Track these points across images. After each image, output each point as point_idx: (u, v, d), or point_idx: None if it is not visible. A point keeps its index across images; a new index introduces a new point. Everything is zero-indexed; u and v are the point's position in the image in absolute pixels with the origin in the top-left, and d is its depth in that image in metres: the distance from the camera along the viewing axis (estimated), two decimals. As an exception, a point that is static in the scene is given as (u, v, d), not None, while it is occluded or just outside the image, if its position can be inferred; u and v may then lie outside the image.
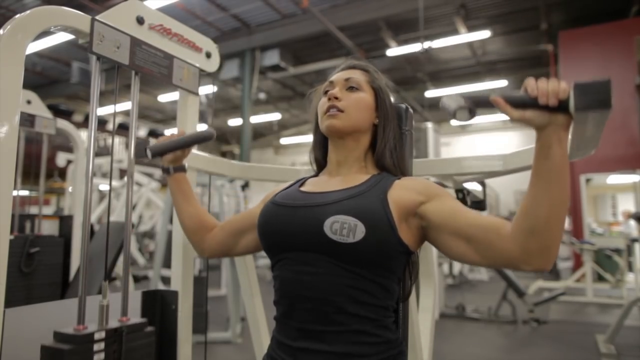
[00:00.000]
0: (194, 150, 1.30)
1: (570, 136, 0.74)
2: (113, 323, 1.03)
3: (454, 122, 13.96)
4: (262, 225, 0.91)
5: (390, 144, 0.96)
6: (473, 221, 0.79)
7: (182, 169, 1.15)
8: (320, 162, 1.04)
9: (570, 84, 0.66)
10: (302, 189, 0.95)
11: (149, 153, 1.12)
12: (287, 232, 0.85)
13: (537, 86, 0.68)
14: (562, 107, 0.67)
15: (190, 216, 1.11)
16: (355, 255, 0.79)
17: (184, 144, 1.12)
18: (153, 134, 12.71)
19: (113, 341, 1.00)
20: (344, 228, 0.78)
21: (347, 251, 0.79)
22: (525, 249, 0.71)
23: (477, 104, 0.72)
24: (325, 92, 0.98)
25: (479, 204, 1.66)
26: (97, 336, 0.97)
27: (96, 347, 0.97)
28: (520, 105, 0.70)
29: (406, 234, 0.84)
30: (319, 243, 0.80)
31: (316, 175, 1.04)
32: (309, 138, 1.10)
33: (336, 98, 0.93)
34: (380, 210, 0.82)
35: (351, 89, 0.95)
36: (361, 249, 0.78)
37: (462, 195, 1.66)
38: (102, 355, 0.98)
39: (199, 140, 1.13)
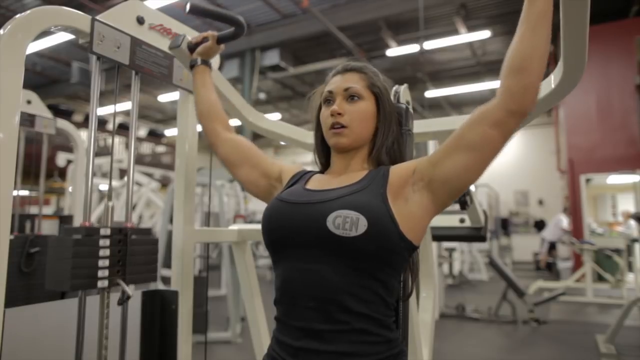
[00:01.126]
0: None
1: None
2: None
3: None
4: (267, 222, 0.91)
5: (387, 144, 0.96)
6: (457, 132, 0.83)
7: (208, 63, 1.19)
8: (324, 164, 1.05)
9: None
10: (308, 186, 0.96)
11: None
12: (290, 228, 0.86)
13: None
14: None
15: (206, 101, 1.14)
16: (358, 250, 0.80)
17: (221, 16, 1.15)
18: (153, 134, 12.71)
19: (118, 240, 1.04)
20: (347, 222, 0.79)
21: (350, 245, 0.79)
22: (507, 89, 0.77)
23: None
24: (326, 101, 0.98)
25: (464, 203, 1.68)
26: (102, 232, 1.01)
27: (102, 242, 1.00)
28: None
29: (409, 220, 0.84)
30: (322, 238, 0.81)
31: (321, 171, 1.05)
32: (309, 138, 1.10)
33: (339, 114, 0.93)
34: (381, 205, 0.83)
35: (352, 98, 0.95)
36: (364, 243, 0.79)
37: (462, 194, 1.67)
38: (108, 251, 1.01)
39: (233, 22, 1.15)
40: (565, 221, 8.75)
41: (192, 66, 1.18)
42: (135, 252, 1.06)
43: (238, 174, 1.09)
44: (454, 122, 1.41)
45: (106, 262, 1.00)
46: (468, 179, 0.82)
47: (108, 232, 1.01)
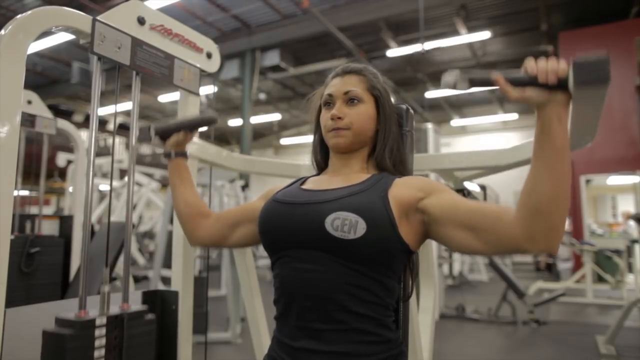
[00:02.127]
0: (196, 139, 1.29)
1: (569, 119, 0.75)
2: (114, 310, 1.04)
3: (455, 121, 13.96)
4: (263, 223, 0.91)
5: (389, 147, 0.96)
6: (474, 209, 0.79)
7: (184, 154, 1.16)
8: (321, 165, 1.05)
9: (569, 62, 0.68)
10: (304, 187, 0.95)
11: (152, 132, 1.12)
12: (288, 229, 0.86)
13: (537, 65, 0.70)
14: (561, 85, 0.68)
15: (187, 202, 1.10)
16: (356, 252, 0.79)
17: (187, 126, 1.12)
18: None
19: (114, 327, 1.01)
20: (345, 224, 0.79)
21: (348, 248, 0.79)
22: (531, 230, 0.71)
23: (477, 82, 0.74)
24: (326, 104, 0.98)
25: None
26: (98, 322, 0.98)
27: (97, 332, 0.98)
28: (520, 83, 0.71)
29: (407, 232, 0.84)
30: (320, 240, 0.81)
31: (317, 174, 1.04)
32: (309, 138, 1.10)
33: (339, 118, 0.93)
34: (381, 207, 0.82)
35: (351, 101, 0.95)
36: (362, 246, 0.79)
37: (463, 195, 1.67)
38: (104, 341, 0.98)
39: (203, 123, 1.13)
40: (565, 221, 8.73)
41: (167, 155, 1.15)
42: (132, 335, 1.04)
43: (233, 242, 1.06)
44: (450, 160, 1.41)
45: (102, 352, 0.97)
46: (464, 251, 0.82)
47: (104, 321, 0.99)
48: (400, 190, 0.86)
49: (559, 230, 0.71)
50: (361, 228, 0.78)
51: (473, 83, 0.73)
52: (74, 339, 0.93)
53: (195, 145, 1.31)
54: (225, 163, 1.51)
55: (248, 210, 1.02)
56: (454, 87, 0.73)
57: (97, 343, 0.97)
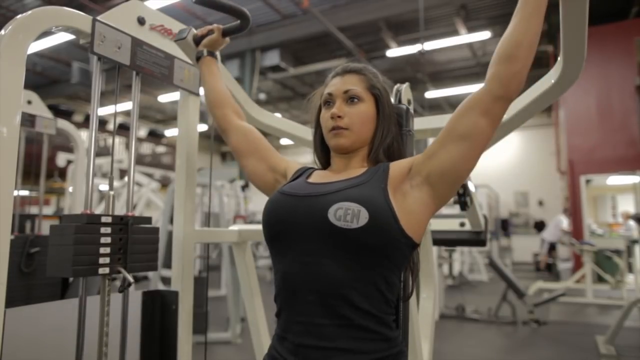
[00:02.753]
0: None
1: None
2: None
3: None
4: (268, 214, 0.91)
5: (386, 144, 0.97)
6: (448, 123, 0.85)
7: (214, 55, 1.21)
8: (324, 163, 1.05)
9: None
10: (309, 180, 0.96)
11: (190, 34, 1.18)
12: (291, 220, 0.86)
13: None
14: None
15: (216, 89, 1.16)
16: (359, 242, 0.80)
17: (228, 7, 1.16)
18: (153, 134, 12.72)
19: (119, 229, 1.04)
20: (348, 214, 0.80)
21: (351, 237, 0.80)
22: (499, 72, 0.81)
23: None
24: (326, 103, 0.99)
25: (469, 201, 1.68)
26: (104, 219, 1.01)
27: (103, 230, 1.00)
28: None
29: (408, 219, 0.84)
30: (323, 231, 0.81)
31: (323, 168, 1.05)
32: (308, 138, 1.11)
33: (339, 117, 0.94)
34: (382, 198, 0.83)
35: (351, 101, 0.95)
36: (365, 235, 0.79)
37: (459, 194, 1.67)
38: (109, 239, 1.01)
39: (239, 15, 1.17)
40: (565, 222, 8.75)
41: (198, 58, 1.20)
42: (136, 240, 1.07)
43: (246, 164, 1.10)
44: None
45: (107, 250, 1.00)
46: (463, 168, 0.84)
47: (109, 219, 1.02)
48: (395, 173, 0.89)
49: (522, 75, 0.81)
50: (364, 217, 0.79)
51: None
52: (80, 230, 0.95)
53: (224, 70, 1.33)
54: (246, 107, 1.52)
55: (271, 156, 1.07)
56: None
57: (102, 240, 1.00)
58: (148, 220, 1.12)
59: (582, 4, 0.91)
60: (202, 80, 1.20)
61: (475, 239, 1.95)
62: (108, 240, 1.00)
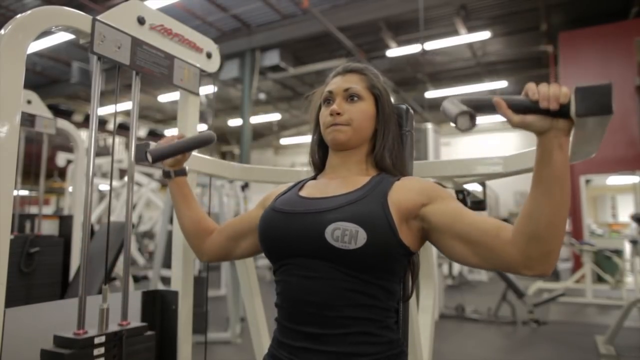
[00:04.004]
0: (195, 153, 1.29)
1: (570, 139, 0.73)
2: (113, 327, 1.03)
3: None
4: (263, 233, 0.91)
5: (388, 146, 0.96)
6: (474, 224, 0.78)
7: (183, 172, 1.14)
8: (319, 165, 1.04)
9: (571, 88, 0.65)
10: (301, 193, 0.95)
11: (149, 157, 1.10)
12: (288, 239, 0.85)
13: (538, 90, 0.67)
14: (563, 111, 0.66)
15: (191, 220, 1.10)
16: (357, 261, 0.79)
17: (183, 149, 1.11)
18: (153, 134, 12.71)
19: (113, 345, 1.00)
20: (345, 235, 0.78)
21: (349, 257, 0.79)
22: (526, 254, 0.71)
23: (478, 108, 0.70)
24: (326, 101, 0.98)
25: (478, 204, 1.66)
26: (97, 340, 0.97)
27: (96, 351, 0.97)
28: (521, 109, 0.68)
29: (407, 236, 0.84)
30: (320, 250, 0.81)
31: (314, 177, 1.04)
32: (308, 138, 1.10)
33: (338, 114, 0.93)
34: (381, 214, 0.82)
35: (351, 99, 0.95)
36: (363, 255, 0.79)
37: (462, 196, 1.66)
38: (103, 359, 0.97)
39: (199, 144, 1.11)
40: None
41: (166, 175, 1.14)
42: (131, 352, 1.03)
43: (239, 255, 1.07)
44: (452, 167, 1.40)
45: None
46: (460, 262, 0.83)
47: (103, 339, 0.98)
48: (401, 194, 0.86)
49: (554, 255, 0.71)
50: (362, 238, 0.78)
51: (473, 118, 0.69)
52: (72, 358, 0.92)
53: (193, 157, 1.30)
54: (224, 174, 1.50)
55: (248, 221, 1.02)
56: (455, 122, 0.69)
57: None
58: (144, 329, 1.08)
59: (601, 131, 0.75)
60: (175, 206, 1.14)
61: (475, 208, 1.93)
62: None
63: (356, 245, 0.78)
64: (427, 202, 0.84)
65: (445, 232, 0.81)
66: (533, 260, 0.71)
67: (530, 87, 0.68)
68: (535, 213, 0.70)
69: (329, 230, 0.79)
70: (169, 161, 1.11)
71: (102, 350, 0.98)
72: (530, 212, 0.71)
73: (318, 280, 0.81)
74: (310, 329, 0.81)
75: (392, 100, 1.03)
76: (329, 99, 0.98)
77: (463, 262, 0.81)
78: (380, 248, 0.79)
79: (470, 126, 0.69)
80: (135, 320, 1.22)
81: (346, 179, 0.93)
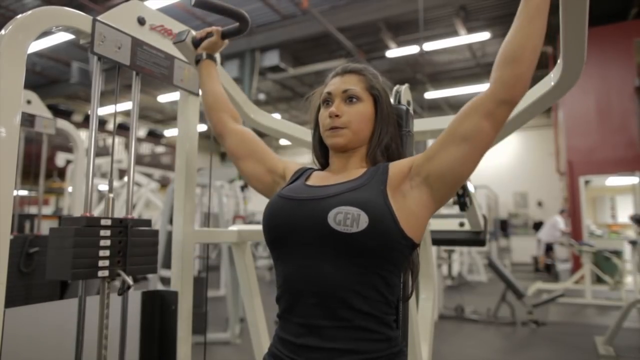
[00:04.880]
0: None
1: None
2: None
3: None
4: (267, 218, 0.91)
5: (384, 145, 0.97)
6: (450, 124, 0.85)
7: (213, 58, 1.21)
8: (323, 164, 1.05)
9: None
10: (308, 182, 0.96)
11: (188, 36, 1.18)
12: (291, 225, 0.86)
13: None
14: None
15: (213, 92, 1.16)
16: (359, 245, 0.80)
17: (228, 10, 1.15)
18: (153, 134, 12.70)
19: (119, 231, 1.04)
20: (348, 218, 0.80)
21: (351, 241, 0.80)
22: (500, 79, 0.80)
23: None
24: (325, 102, 0.99)
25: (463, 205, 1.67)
26: (103, 222, 1.01)
27: (102, 232, 1.00)
28: None
29: (408, 220, 0.84)
30: (323, 235, 0.81)
31: (322, 169, 1.05)
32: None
33: (337, 116, 0.94)
34: (381, 201, 0.83)
35: (350, 100, 0.96)
36: (365, 239, 0.79)
37: (458, 195, 1.67)
38: (108, 242, 1.01)
39: (239, 16, 1.16)
40: (562, 223, 8.76)
41: (197, 61, 1.21)
42: (136, 243, 1.06)
43: (243, 167, 1.09)
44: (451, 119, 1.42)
45: (107, 252, 1.00)
46: (463, 170, 0.83)
47: (109, 222, 1.02)
48: (394, 173, 0.89)
49: (524, 78, 0.80)
50: (363, 221, 0.79)
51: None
52: (80, 233, 0.95)
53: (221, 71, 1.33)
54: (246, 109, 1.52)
55: (268, 158, 1.08)
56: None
57: (101, 243, 1.00)
58: (148, 222, 1.12)
59: (582, 6, 0.90)
60: (201, 83, 1.20)
61: (475, 239, 1.95)
62: (107, 243, 1.00)
63: (358, 229, 0.79)
64: (413, 160, 0.89)
65: (438, 153, 0.84)
66: (505, 84, 0.80)
67: None
68: (514, 37, 0.80)
69: (332, 214, 0.81)
70: (204, 44, 1.19)
71: (108, 232, 1.01)
72: (510, 39, 0.81)
73: (319, 269, 0.82)
74: (310, 320, 0.82)
75: (392, 100, 1.03)
76: (327, 100, 0.98)
77: (467, 156, 0.82)
78: (381, 232, 0.80)
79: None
80: (135, 322, 1.22)
81: (347, 172, 0.95)
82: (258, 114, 1.58)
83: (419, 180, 0.86)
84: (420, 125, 1.44)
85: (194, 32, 1.21)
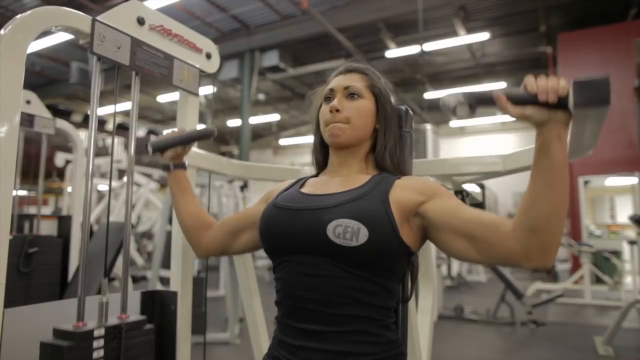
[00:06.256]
0: (195, 149, 1.29)
1: (569, 136, 0.74)
2: (112, 320, 1.03)
3: (454, 122, 14.01)
4: (264, 229, 0.91)
5: (390, 146, 0.96)
6: (473, 219, 0.79)
7: (183, 166, 1.16)
8: (321, 164, 1.05)
9: (569, 81, 0.67)
10: (303, 190, 0.95)
11: (150, 149, 1.13)
12: (289, 235, 0.86)
13: (537, 83, 0.69)
14: (561, 104, 0.67)
15: (189, 213, 1.11)
16: (358, 258, 0.80)
17: (185, 140, 1.12)
18: (152, 133, 12.70)
19: (112, 338, 1.00)
20: (347, 232, 0.78)
21: (351, 254, 0.79)
22: (526, 247, 0.71)
23: (478, 101, 0.72)
24: (326, 99, 0.99)
25: (477, 207, 1.66)
26: (96, 333, 0.97)
27: (95, 344, 0.97)
28: (520, 102, 0.70)
29: (408, 235, 0.84)
30: (322, 247, 0.81)
31: (316, 175, 1.04)
32: (307, 139, 1.11)
33: (338, 110, 0.93)
34: (382, 212, 0.82)
35: (352, 96, 0.95)
36: (364, 252, 0.79)
37: (462, 197, 1.66)
38: (102, 352, 0.98)
39: (200, 137, 1.13)
40: None
41: (165, 168, 1.15)
42: (131, 346, 1.04)
43: (237, 250, 1.07)
44: (450, 165, 1.40)
45: None
46: (460, 258, 0.83)
47: (102, 332, 0.98)
48: (401, 193, 0.86)
49: (554, 248, 0.71)
50: (363, 235, 0.78)
51: (473, 108, 0.71)
52: (72, 350, 0.92)
53: (194, 153, 1.31)
54: (224, 170, 1.50)
55: (249, 216, 1.03)
56: (454, 112, 0.71)
57: (95, 354, 0.96)
58: (143, 323, 1.08)
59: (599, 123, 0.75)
60: (173, 199, 1.15)
61: None
62: (101, 354, 0.97)
63: (357, 243, 0.78)
64: (426, 199, 0.85)
65: (445, 228, 0.82)
66: (533, 253, 0.71)
67: (529, 80, 0.70)
68: (535, 205, 0.71)
69: (331, 227, 0.80)
70: (169, 154, 1.13)
71: (101, 342, 0.98)
72: (529, 205, 0.71)
73: (318, 278, 0.82)
74: (310, 326, 0.82)
75: (392, 100, 1.03)
76: (329, 97, 0.98)
77: (463, 257, 0.81)
78: (381, 246, 0.80)
79: (469, 114, 0.71)
80: (134, 317, 1.22)
81: (347, 177, 0.94)
82: (233, 167, 1.55)
83: (422, 222, 0.85)
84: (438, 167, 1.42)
85: (152, 137, 1.16)
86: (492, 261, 0.78)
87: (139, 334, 1.07)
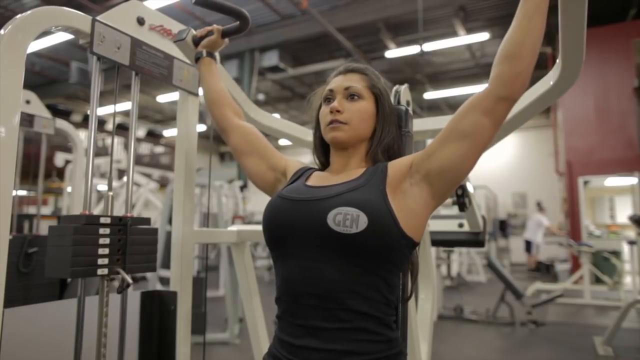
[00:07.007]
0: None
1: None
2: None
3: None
4: (267, 219, 0.92)
5: (384, 144, 0.97)
6: (450, 121, 0.85)
7: (213, 55, 1.21)
8: (324, 164, 1.05)
9: None
10: (308, 183, 0.96)
11: (189, 35, 1.19)
12: (291, 225, 0.87)
13: None
14: None
15: (215, 89, 1.16)
16: (358, 246, 0.80)
17: (228, 8, 1.16)
18: (152, 134, 12.70)
19: (118, 229, 1.04)
20: (347, 219, 0.80)
21: (351, 242, 0.80)
22: (501, 75, 0.80)
23: None
24: (326, 100, 0.99)
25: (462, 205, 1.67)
26: (102, 220, 1.01)
27: (102, 230, 1.00)
28: None
29: (408, 219, 0.84)
30: (322, 235, 0.82)
31: (322, 169, 1.05)
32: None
33: (338, 111, 0.94)
34: (381, 201, 0.83)
35: (352, 97, 0.96)
36: (364, 239, 0.79)
37: (457, 195, 1.67)
38: (108, 240, 1.01)
39: (239, 15, 1.16)
40: (545, 219, 9.18)
41: (197, 59, 1.20)
42: (135, 241, 1.06)
43: (247, 163, 1.09)
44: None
45: (106, 251, 1.00)
46: (463, 167, 0.84)
47: (108, 220, 1.02)
48: (394, 170, 0.89)
49: (523, 75, 0.80)
50: (363, 222, 0.79)
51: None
52: (79, 231, 0.95)
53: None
54: (246, 108, 1.52)
55: (271, 155, 1.07)
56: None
57: (101, 241, 0.99)
58: (147, 221, 1.12)
59: (581, 7, 0.91)
60: (201, 80, 1.19)
61: (474, 240, 1.95)
62: (107, 241, 1.00)
63: (357, 229, 0.79)
64: (414, 157, 0.90)
65: (438, 150, 0.84)
66: (504, 81, 0.80)
67: None
68: (513, 36, 0.80)
69: (331, 215, 0.81)
70: (204, 43, 1.19)
71: (107, 230, 1.01)
72: (509, 36, 0.81)
73: (319, 270, 0.82)
74: (310, 322, 0.82)
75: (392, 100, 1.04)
76: (329, 97, 0.99)
77: (466, 150, 0.82)
78: (381, 233, 0.81)
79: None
80: (134, 322, 1.22)
81: (347, 172, 0.95)
82: (258, 114, 1.58)
83: (419, 177, 0.86)
84: (419, 125, 1.44)
85: (194, 31, 1.21)
86: (485, 110, 0.81)
87: (143, 231, 1.10)
